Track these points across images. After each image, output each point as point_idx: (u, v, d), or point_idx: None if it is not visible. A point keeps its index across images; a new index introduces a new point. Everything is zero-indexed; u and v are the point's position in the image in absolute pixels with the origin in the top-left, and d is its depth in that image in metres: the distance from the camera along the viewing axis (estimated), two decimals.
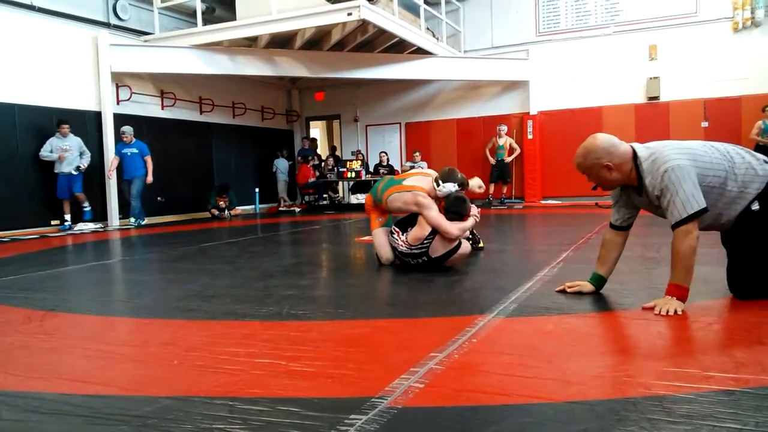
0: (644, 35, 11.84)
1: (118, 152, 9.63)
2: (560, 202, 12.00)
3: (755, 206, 2.69)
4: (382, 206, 4.45)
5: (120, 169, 9.69)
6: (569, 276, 3.65)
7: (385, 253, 4.39)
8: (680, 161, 2.63)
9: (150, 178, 9.63)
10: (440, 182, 4.18)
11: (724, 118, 11.22)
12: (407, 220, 4.33)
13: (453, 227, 4.00)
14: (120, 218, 9.96)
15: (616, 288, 3.24)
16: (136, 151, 9.63)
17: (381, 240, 4.45)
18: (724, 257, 3.02)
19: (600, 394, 1.69)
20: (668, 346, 2.15)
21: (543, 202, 12.23)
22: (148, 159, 9.65)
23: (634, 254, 4.57)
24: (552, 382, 1.83)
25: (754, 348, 2.13)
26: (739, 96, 11.13)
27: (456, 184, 4.17)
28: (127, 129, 9.59)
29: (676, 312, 2.56)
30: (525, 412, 1.60)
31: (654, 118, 11.78)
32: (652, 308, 2.64)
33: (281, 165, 13.69)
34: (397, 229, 4.28)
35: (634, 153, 2.77)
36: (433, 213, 4.06)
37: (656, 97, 11.77)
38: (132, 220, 9.64)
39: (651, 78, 11.77)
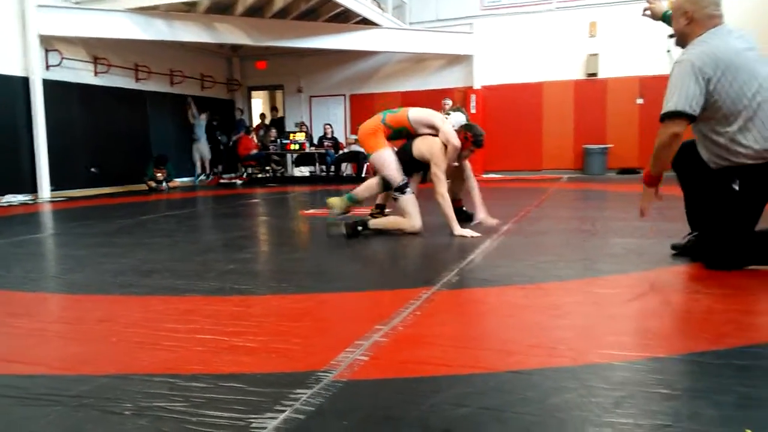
0: (585, 12, 12.06)
1: None
2: (501, 176, 12.22)
3: (736, 186, 2.75)
4: (394, 126, 4.54)
5: None
6: (509, 249, 3.73)
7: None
8: (688, 57, 2.66)
9: None
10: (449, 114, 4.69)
11: (659, 96, 11.52)
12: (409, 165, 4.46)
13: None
14: (51, 189, 9.51)
15: (552, 260, 3.33)
16: None
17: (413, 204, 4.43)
18: (658, 231, 3.14)
19: (538, 363, 1.74)
20: (604, 315, 2.23)
21: (485, 176, 12.41)
22: None
23: (571, 227, 4.71)
24: (493, 352, 1.87)
25: (684, 318, 2.24)
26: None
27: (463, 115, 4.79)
28: None
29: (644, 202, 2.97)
30: (467, 382, 1.63)
31: (592, 94, 12.08)
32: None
33: (201, 125, 12.94)
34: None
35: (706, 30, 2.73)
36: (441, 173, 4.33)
37: (595, 74, 12.06)
38: None
39: (590, 55, 12.04)
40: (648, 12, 3.25)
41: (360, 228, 4.29)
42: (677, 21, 2.84)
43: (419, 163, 4.44)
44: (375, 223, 4.39)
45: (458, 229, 4.22)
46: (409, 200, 4.38)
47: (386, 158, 4.46)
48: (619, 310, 2.29)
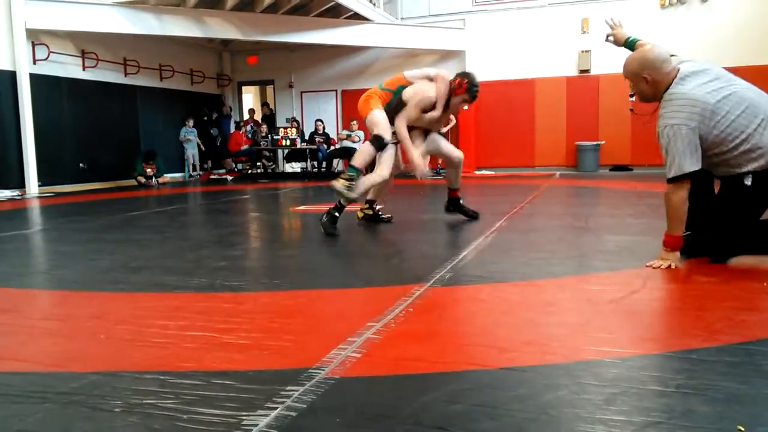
0: (577, 8, 12.08)
1: None
2: (494, 172, 12.23)
3: (748, 181, 2.81)
4: (393, 88, 4.59)
5: None
6: (502, 245, 3.73)
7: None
8: (678, 121, 2.74)
9: None
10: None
11: None
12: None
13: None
14: (39, 185, 9.42)
15: (545, 256, 3.33)
16: None
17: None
18: (650, 228, 3.15)
19: (531, 360, 1.74)
20: (596, 312, 2.23)
21: (477, 172, 12.42)
22: None
23: (564, 224, 4.71)
24: (486, 349, 1.86)
25: (676, 315, 2.25)
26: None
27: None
28: None
29: (673, 266, 2.85)
30: (461, 379, 1.62)
31: (585, 90, 12.11)
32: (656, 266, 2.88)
33: (186, 133, 12.86)
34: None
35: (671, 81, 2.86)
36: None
37: (587, 70, 12.09)
38: None
39: (583, 51, 12.06)
40: (611, 38, 3.33)
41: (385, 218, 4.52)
42: (638, 86, 2.97)
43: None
44: (340, 185, 4.29)
45: (417, 157, 4.35)
46: (386, 153, 4.38)
47: (376, 117, 4.47)
48: (612, 307, 2.29)
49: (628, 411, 1.39)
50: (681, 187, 2.81)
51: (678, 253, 2.91)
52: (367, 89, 4.75)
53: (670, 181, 2.82)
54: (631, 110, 3.11)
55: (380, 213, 4.80)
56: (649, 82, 2.90)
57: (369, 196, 4.84)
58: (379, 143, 4.40)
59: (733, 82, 2.86)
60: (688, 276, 2.83)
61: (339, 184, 4.33)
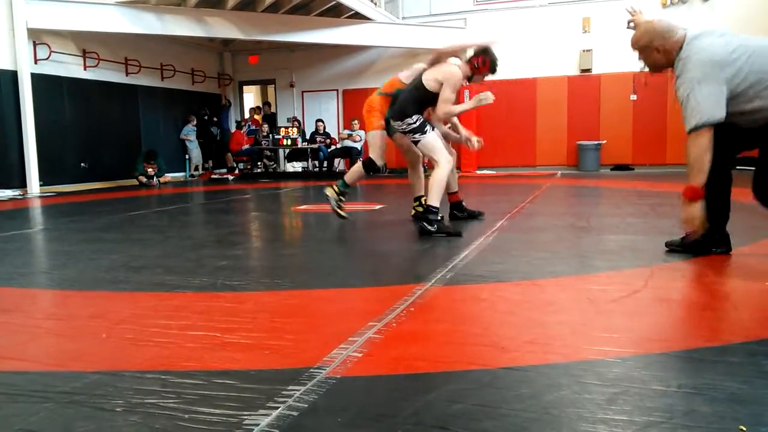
0: (578, 7, 12.06)
1: None
2: (495, 172, 12.23)
3: None
4: (391, 92, 4.70)
5: None
6: (503, 245, 3.73)
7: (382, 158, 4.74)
8: (697, 73, 2.75)
9: None
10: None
11: (652, 92, 11.64)
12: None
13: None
14: (41, 185, 9.43)
15: (547, 256, 3.33)
16: None
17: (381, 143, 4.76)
18: (652, 228, 3.14)
19: (533, 360, 1.74)
20: (598, 312, 2.23)
21: (478, 172, 12.42)
22: None
23: (566, 224, 4.71)
24: (487, 348, 1.86)
25: (678, 313, 2.24)
26: (666, 70, 11.54)
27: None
28: None
29: (694, 219, 2.78)
30: (462, 378, 1.62)
31: (586, 90, 12.09)
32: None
33: (188, 132, 12.91)
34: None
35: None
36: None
37: (589, 70, 12.07)
38: None
39: (584, 50, 12.04)
40: (632, 24, 3.33)
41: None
42: (650, 57, 3.01)
43: (431, 96, 4.27)
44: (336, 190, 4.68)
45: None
46: (436, 145, 4.30)
47: (373, 139, 4.71)
48: (614, 307, 2.29)
49: (629, 411, 1.39)
50: (702, 135, 2.76)
51: (699, 204, 2.82)
52: (369, 89, 4.80)
53: (693, 130, 2.78)
54: (645, 84, 3.13)
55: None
56: (661, 51, 2.94)
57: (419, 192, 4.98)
58: (370, 167, 4.68)
59: (740, 36, 2.88)
60: (690, 276, 2.83)
61: (331, 193, 4.71)
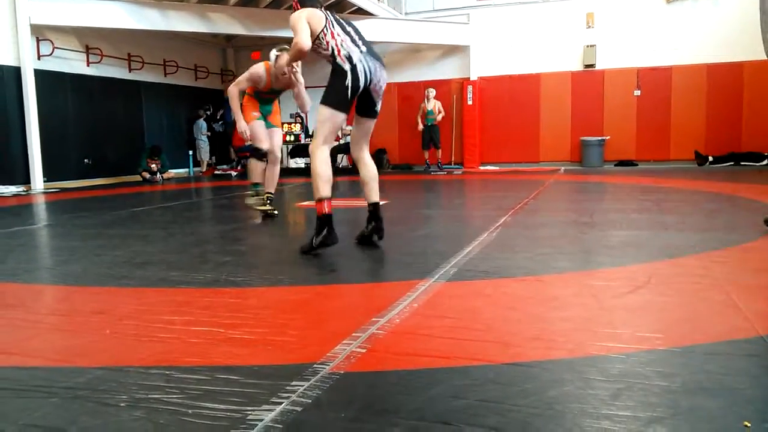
0: (582, 3, 12.01)
1: None
2: (498, 168, 12.21)
3: None
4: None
5: None
6: (507, 241, 3.73)
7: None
8: None
9: None
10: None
11: (656, 87, 11.60)
12: None
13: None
14: (44, 180, 9.44)
15: (550, 252, 3.33)
16: None
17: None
18: (655, 223, 3.13)
19: (537, 356, 1.74)
20: (602, 308, 2.22)
21: (482, 168, 12.40)
22: None
23: (569, 219, 4.70)
24: (491, 344, 1.86)
25: (682, 309, 2.24)
26: (670, 66, 11.50)
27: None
28: None
29: None
30: (466, 374, 1.62)
31: (590, 85, 12.05)
32: None
33: (201, 126, 13.03)
34: None
35: None
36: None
37: (592, 65, 12.03)
38: None
39: (588, 46, 11.99)
40: None
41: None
42: None
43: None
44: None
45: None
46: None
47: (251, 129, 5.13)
48: (618, 303, 2.29)
49: (633, 406, 1.39)
50: None
51: None
52: None
53: None
54: None
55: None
56: None
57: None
58: (256, 154, 5.12)
59: None
60: (694, 271, 2.82)
61: (251, 201, 5.21)
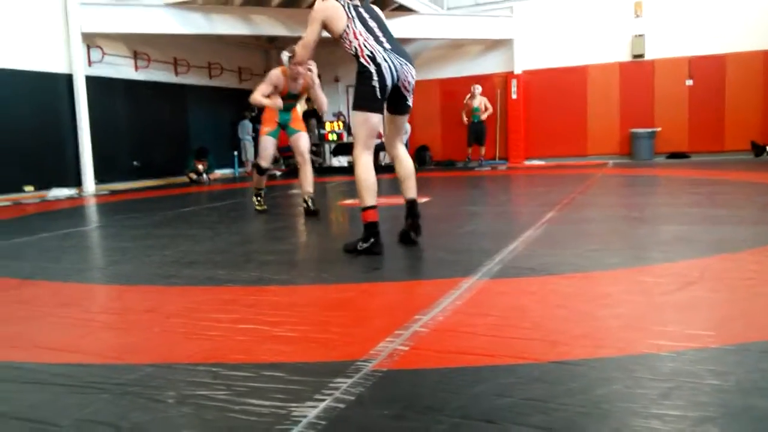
0: None
1: None
2: (544, 162, 12.01)
3: None
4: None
5: None
6: (553, 237, 3.66)
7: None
8: None
9: None
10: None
11: (709, 76, 11.21)
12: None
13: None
14: (96, 183, 9.77)
15: (600, 248, 3.25)
16: None
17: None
18: (708, 218, 3.03)
19: (584, 354, 1.70)
20: (652, 305, 2.16)
21: (527, 162, 12.22)
22: None
23: (618, 214, 4.59)
24: (537, 342, 1.83)
25: (736, 306, 2.15)
26: (723, 54, 11.10)
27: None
28: None
29: None
30: (511, 372, 1.59)
31: (639, 76, 11.74)
32: None
33: (246, 127, 13.24)
34: None
35: None
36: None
37: (641, 55, 11.71)
38: None
39: (636, 36, 11.69)
40: None
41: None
42: None
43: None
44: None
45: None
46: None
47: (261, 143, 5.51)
48: (668, 299, 2.21)
49: (683, 406, 1.34)
50: None
51: None
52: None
53: None
54: None
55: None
56: None
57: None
58: (258, 169, 5.57)
59: None
60: (747, 266, 2.71)
61: (255, 202, 5.77)
